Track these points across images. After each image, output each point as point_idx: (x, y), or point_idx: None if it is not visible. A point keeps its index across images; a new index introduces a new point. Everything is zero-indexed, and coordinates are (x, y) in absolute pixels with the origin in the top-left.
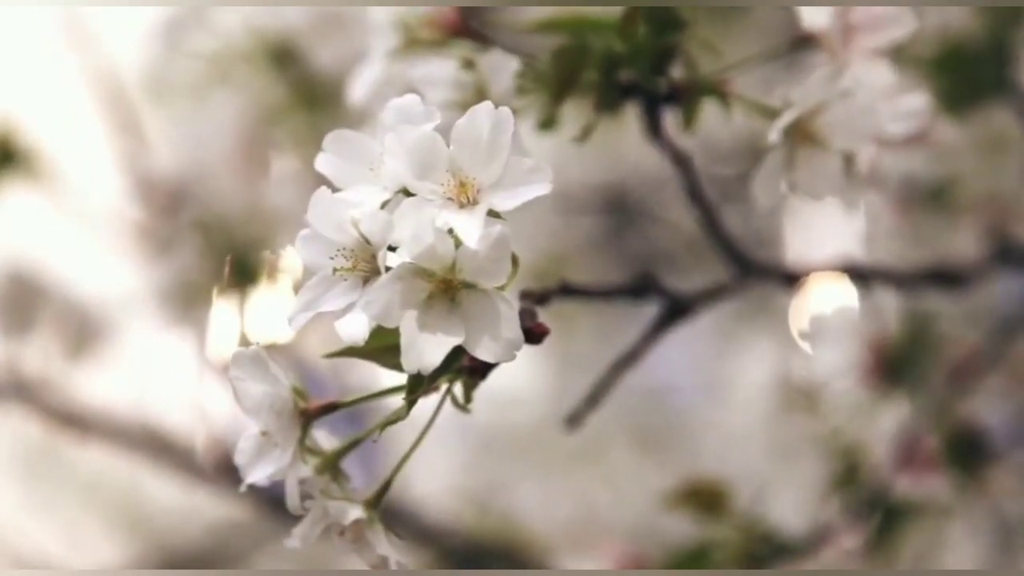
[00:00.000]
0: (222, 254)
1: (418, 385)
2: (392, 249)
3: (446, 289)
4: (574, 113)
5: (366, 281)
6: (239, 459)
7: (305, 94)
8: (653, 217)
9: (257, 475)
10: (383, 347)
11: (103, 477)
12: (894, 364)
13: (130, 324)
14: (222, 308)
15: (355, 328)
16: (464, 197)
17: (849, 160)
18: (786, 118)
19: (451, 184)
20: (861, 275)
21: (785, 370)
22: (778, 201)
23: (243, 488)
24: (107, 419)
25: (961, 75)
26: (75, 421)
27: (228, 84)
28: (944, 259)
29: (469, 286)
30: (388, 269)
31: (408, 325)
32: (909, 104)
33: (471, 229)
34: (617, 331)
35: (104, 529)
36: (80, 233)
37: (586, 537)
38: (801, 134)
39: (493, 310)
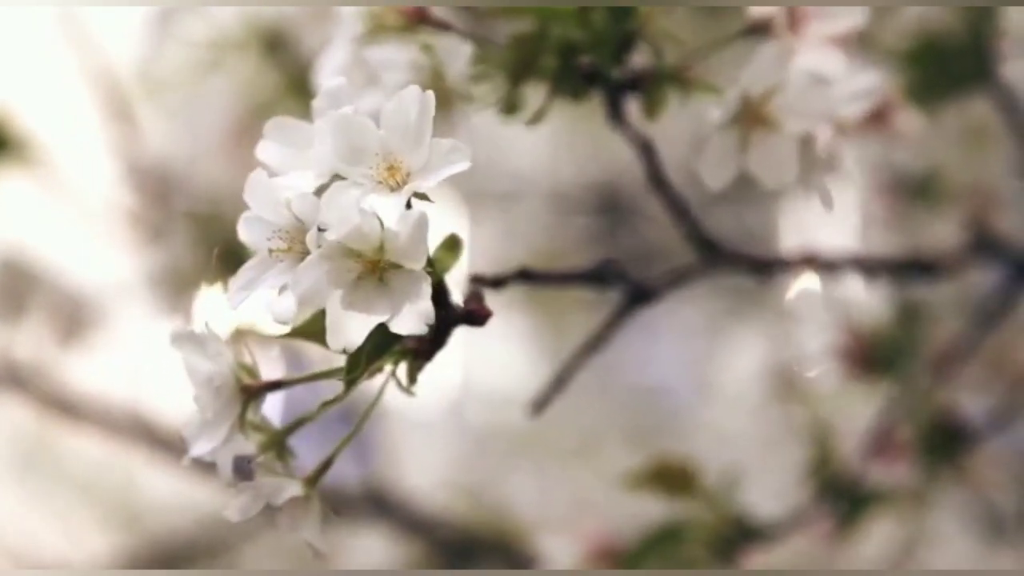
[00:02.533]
0: (214, 242)
1: (356, 364)
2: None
3: (373, 270)
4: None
5: (301, 262)
6: (186, 433)
7: (297, 83)
8: (646, 215)
9: (198, 449)
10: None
11: (96, 469)
12: (876, 353)
13: (122, 312)
14: (210, 297)
15: (283, 308)
16: (393, 180)
17: (807, 144)
18: (729, 98)
19: (380, 168)
20: (834, 263)
21: (775, 365)
22: (726, 183)
23: (185, 462)
24: (99, 407)
25: (938, 67)
26: (67, 408)
27: (220, 73)
28: (925, 249)
29: (396, 267)
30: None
31: (333, 304)
32: (862, 83)
33: (391, 210)
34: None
35: (97, 520)
36: (72, 221)
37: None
38: (753, 117)
39: (415, 288)
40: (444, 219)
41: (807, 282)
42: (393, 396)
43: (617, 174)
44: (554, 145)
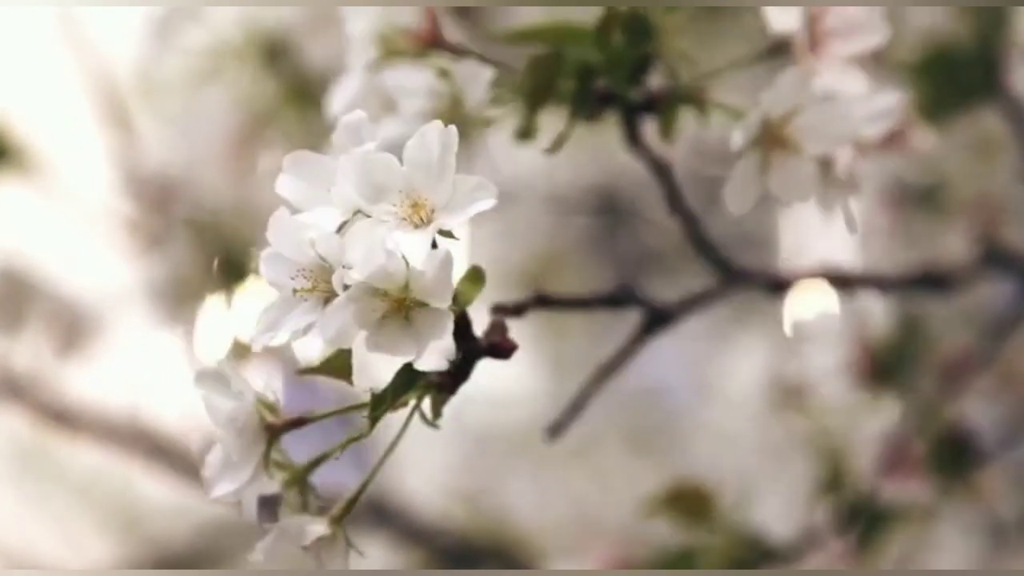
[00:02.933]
0: (213, 251)
1: (381, 402)
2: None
3: (399, 308)
4: (554, 123)
5: (326, 301)
6: (206, 473)
7: (297, 91)
8: (645, 218)
9: (220, 490)
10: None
11: (95, 475)
12: (884, 366)
13: (121, 320)
14: (212, 307)
15: (312, 350)
16: (417, 217)
17: (826, 165)
18: (750, 122)
19: (404, 205)
20: (848, 279)
21: (777, 372)
22: (750, 207)
23: (212, 499)
24: (98, 416)
25: (947, 79)
26: (66, 418)
27: (219, 80)
28: (934, 261)
29: (421, 305)
30: (347, 288)
31: (359, 344)
32: (881, 103)
33: (417, 250)
34: (610, 332)
35: (96, 527)
36: (71, 229)
37: (578, 538)
38: (773, 139)
39: (440, 325)
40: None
41: (815, 295)
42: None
43: (615, 176)
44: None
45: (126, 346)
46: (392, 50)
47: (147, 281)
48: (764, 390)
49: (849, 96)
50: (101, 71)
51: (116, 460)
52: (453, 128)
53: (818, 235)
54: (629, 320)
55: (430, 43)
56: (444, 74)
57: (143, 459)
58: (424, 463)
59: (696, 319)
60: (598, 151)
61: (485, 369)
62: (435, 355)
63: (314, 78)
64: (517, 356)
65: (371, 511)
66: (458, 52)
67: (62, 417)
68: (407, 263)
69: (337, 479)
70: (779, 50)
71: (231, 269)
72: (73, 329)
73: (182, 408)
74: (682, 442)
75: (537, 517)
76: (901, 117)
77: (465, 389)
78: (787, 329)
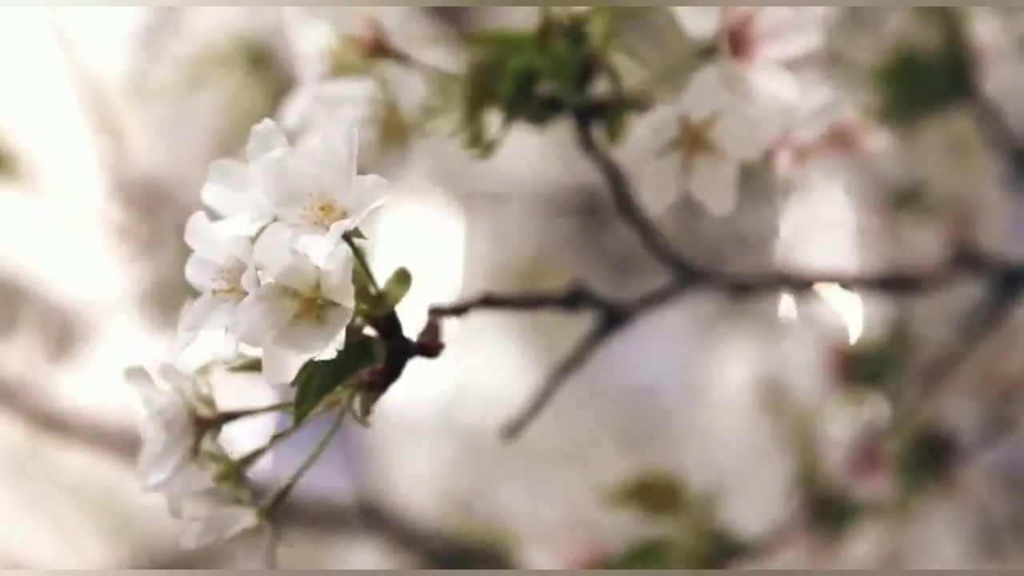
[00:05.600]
0: None
1: (305, 400)
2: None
3: (310, 308)
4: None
5: None
6: (142, 463)
7: (282, 96)
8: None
9: (152, 480)
10: None
11: (88, 478)
12: (862, 366)
13: (112, 326)
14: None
15: (226, 348)
16: (328, 220)
17: (764, 167)
18: (662, 121)
19: (315, 208)
20: (824, 280)
21: (764, 372)
22: (667, 206)
23: (143, 490)
24: (89, 421)
25: (918, 82)
26: (58, 422)
27: (208, 86)
28: (910, 262)
29: (333, 304)
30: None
31: (269, 343)
32: (815, 103)
33: (319, 250)
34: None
35: (90, 529)
36: (61, 234)
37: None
38: (696, 142)
39: (343, 321)
40: (439, 221)
41: (795, 296)
42: (385, 401)
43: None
44: (542, 148)
45: (117, 351)
46: (341, 64)
47: (138, 286)
48: (749, 392)
49: (780, 99)
50: (90, 77)
51: (108, 463)
52: (355, 129)
53: (813, 239)
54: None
55: (375, 51)
56: (382, 83)
57: (134, 463)
58: (416, 466)
59: (682, 320)
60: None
61: (478, 371)
62: (330, 347)
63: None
64: (509, 358)
65: (363, 514)
66: (402, 59)
67: (54, 421)
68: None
69: (327, 484)
70: (711, 53)
71: None
72: (64, 334)
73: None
74: (671, 443)
75: (528, 523)
76: (850, 120)
77: (458, 389)
78: (771, 329)
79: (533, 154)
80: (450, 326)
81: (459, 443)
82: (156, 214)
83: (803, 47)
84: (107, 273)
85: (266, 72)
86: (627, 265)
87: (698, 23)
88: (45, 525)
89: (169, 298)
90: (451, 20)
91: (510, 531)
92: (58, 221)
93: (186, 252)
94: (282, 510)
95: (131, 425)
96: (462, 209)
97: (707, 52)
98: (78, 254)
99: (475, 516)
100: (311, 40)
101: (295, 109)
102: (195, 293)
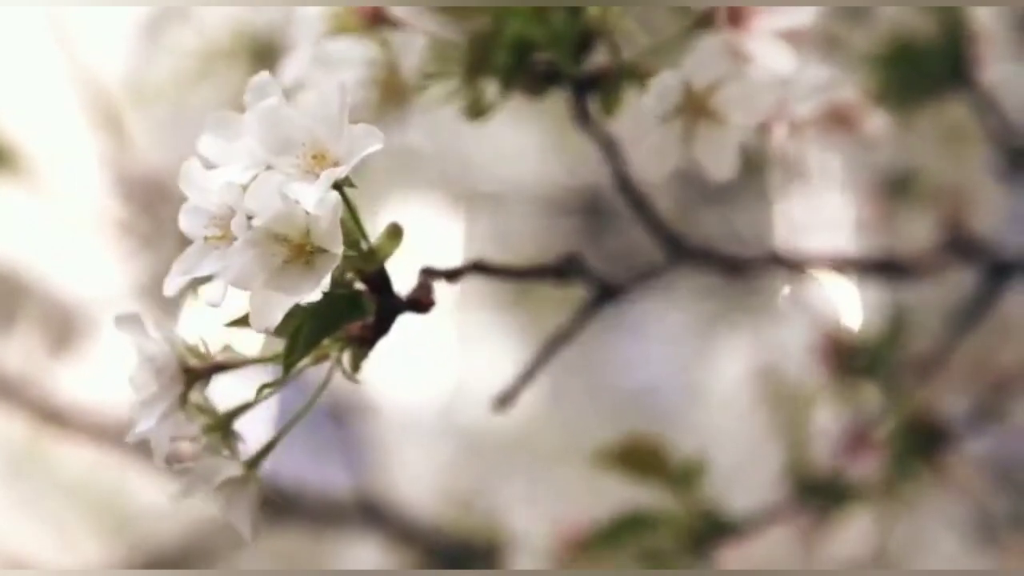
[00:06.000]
0: None
1: (294, 350)
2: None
3: (300, 254)
4: (516, 103)
5: None
6: (132, 411)
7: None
8: (633, 218)
9: (139, 428)
10: None
11: (87, 475)
12: (856, 354)
13: (112, 321)
14: (202, 308)
15: (215, 293)
16: (319, 169)
17: (761, 138)
18: (666, 87)
19: (307, 158)
20: (817, 265)
21: (758, 361)
22: (666, 173)
23: (129, 439)
24: (89, 416)
25: (914, 69)
26: (58, 418)
27: (209, 82)
28: (903, 250)
29: (322, 251)
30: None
31: (257, 289)
32: (812, 79)
33: (310, 196)
34: (603, 333)
35: (89, 527)
36: (62, 231)
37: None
38: (698, 109)
39: (330, 267)
40: (439, 221)
41: (790, 283)
42: (385, 398)
43: (604, 177)
44: (542, 147)
45: (118, 347)
46: (341, 25)
47: (138, 281)
48: (748, 388)
49: (777, 69)
50: (92, 73)
51: (108, 460)
52: (348, 82)
53: (810, 232)
54: (623, 324)
55: (376, 19)
56: (382, 44)
57: (133, 458)
58: (415, 464)
59: (681, 318)
60: (587, 151)
61: (477, 369)
62: (316, 290)
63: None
64: (509, 356)
65: (363, 511)
66: (401, 26)
67: (54, 417)
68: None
69: (329, 476)
70: (704, 24)
71: None
72: (65, 330)
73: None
74: (671, 443)
75: (529, 516)
76: (848, 100)
77: (457, 387)
78: (770, 319)
79: (533, 155)
80: (445, 294)
81: (458, 441)
82: (156, 210)
83: (798, 20)
84: (107, 269)
85: (269, 67)
86: (627, 265)
87: None
88: (44, 524)
89: None
90: None
91: (509, 529)
92: (59, 217)
93: (185, 248)
94: (283, 506)
95: (131, 420)
96: (462, 209)
97: (703, 22)
98: (79, 250)
99: (474, 514)
100: (312, 7)
101: (292, 68)
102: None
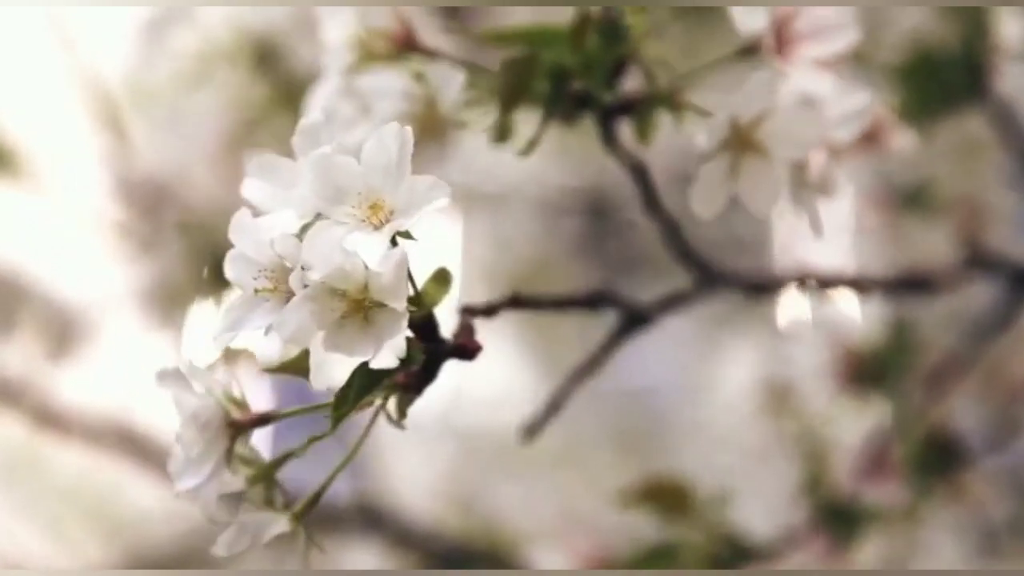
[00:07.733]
0: (204, 254)
1: (344, 402)
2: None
3: (358, 309)
4: (534, 126)
5: (287, 302)
6: (171, 467)
7: (287, 94)
8: (634, 221)
9: (184, 484)
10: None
11: (85, 478)
12: (869, 369)
13: (112, 324)
14: (202, 310)
15: (270, 349)
16: (376, 219)
17: (800, 169)
18: (717, 123)
19: (363, 207)
20: (831, 281)
21: (767, 376)
22: (717, 211)
23: (176, 494)
24: (88, 420)
25: (932, 81)
26: (56, 422)
27: (210, 84)
28: (919, 264)
29: (380, 306)
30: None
31: (317, 344)
32: (852, 105)
33: (373, 250)
34: (600, 334)
35: (86, 529)
36: (62, 233)
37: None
38: (744, 143)
39: (397, 325)
40: (437, 223)
41: (801, 299)
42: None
43: (604, 179)
44: (543, 148)
45: (117, 350)
46: (368, 53)
47: (138, 285)
48: (752, 394)
49: (819, 99)
50: (92, 75)
51: (106, 463)
52: (409, 129)
53: (810, 242)
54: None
55: (405, 45)
56: (419, 77)
57: (133, 462)
58: (415, 467)
59: (685, 322)
60: (587, 155)
61: (477, 372)
62: (388, 353)
63: (304, 80)
64: (508, 359)
65: (362, 515)
66: (433, 54)
67: (52, 421)
68: (365, 264)
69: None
70: (750, 52)
71: (222, 273)
72: (64, 333)
73: (172, 412)
74: (671, 445)
75: (528, 524)
76: (878, 118)
77: (457, 391)
78: (776, 331)
79: (533, 156)
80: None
81: (458, 445)
82: (157, 213)
83: (841, 46)
84: (108, 272)
85: (270, 69)
86: (627, 267)
87: (747, 21)
88: (41, 527)
89: (170, 296)
90: (455, 18)
91: (510, 532)
92: (59, 220)
93: (186, 251)
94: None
95: (130, 423)
96: (461, 211)
97: (745, 51)
98: (79, 253)
99: (474, 517)
100: (338, 29)
101: (320, 99)
102: (199, 292)
